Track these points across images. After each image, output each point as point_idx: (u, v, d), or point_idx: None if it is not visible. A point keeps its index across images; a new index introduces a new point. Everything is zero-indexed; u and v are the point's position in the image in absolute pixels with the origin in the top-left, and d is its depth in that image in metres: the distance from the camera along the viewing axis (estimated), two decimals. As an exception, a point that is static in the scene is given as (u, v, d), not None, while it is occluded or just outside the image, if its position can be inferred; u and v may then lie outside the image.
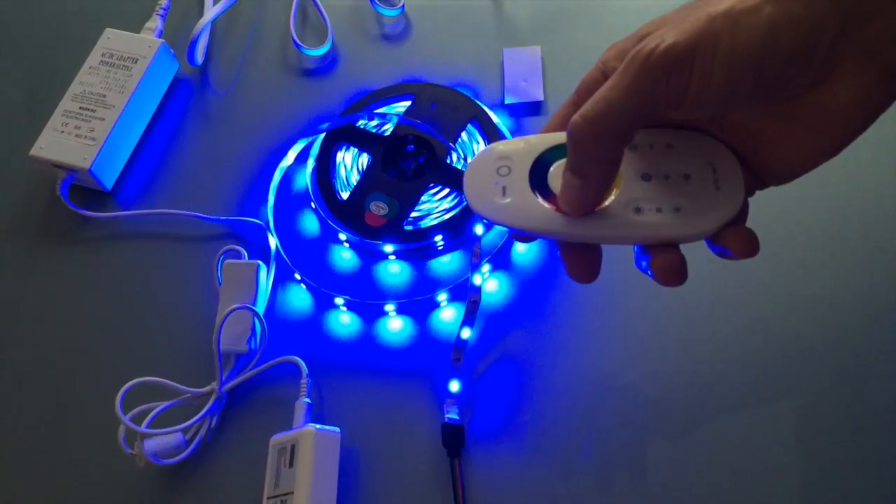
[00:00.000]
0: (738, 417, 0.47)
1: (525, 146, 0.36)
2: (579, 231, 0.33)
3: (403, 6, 0.64)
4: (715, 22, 0.29)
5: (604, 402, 0.48)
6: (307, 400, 0.49)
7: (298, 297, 0.54)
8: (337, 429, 0.48)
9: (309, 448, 0.46)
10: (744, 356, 0.48)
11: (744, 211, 0.33)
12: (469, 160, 0.36)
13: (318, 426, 0.47)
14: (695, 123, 0.34)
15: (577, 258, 0.34)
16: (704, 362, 0.49)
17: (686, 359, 0.49)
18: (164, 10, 0.65)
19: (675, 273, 0.32)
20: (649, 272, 0.33)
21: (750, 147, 0.33)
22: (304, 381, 0.50)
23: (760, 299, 0.50)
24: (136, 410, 0.48)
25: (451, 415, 0.48)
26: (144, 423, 0.47)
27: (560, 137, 0.35)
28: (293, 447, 0.46)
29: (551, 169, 0.35)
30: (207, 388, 0.50)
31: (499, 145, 0.36)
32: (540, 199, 0.34)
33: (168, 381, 0.49)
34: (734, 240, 0.32)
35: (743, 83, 0.29)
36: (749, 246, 0.32)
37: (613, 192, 0.34)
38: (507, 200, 0.34)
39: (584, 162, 0.32)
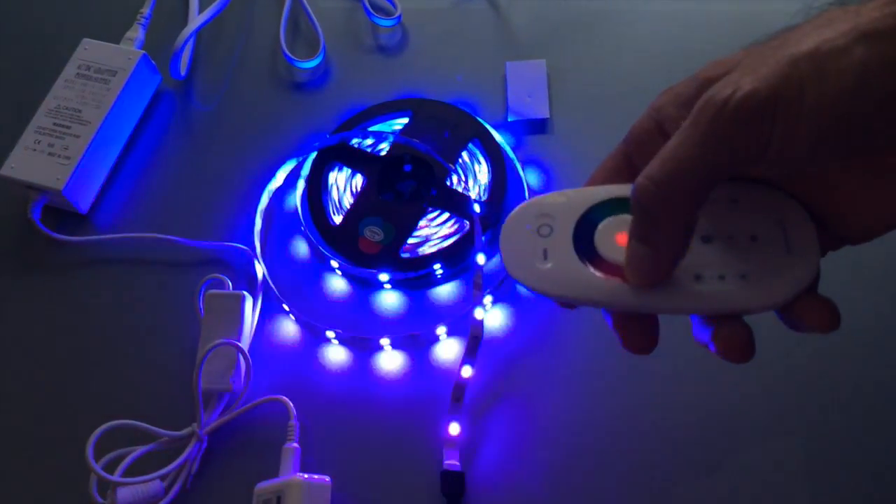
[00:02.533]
0: (761, 459, 0.43)
1: (568, 202, 0.32)
2: (629, 302, 0.29)
3: (400, 16, 0.61)
4: (798, 65, 0.25)
5: (617, 445, 0.45)
6: (295, 445, 0.45)
7: (287, 330, 0.50)
8: (327, 478, 0.44)
9: (296, 501, 0.42)
10: (767, 393, 0.45)
11: (816, 276, 0.30)
12: (507, 218, 0.32)
13: (305, 476, 0.43)
14: (768, 178, 0.30)
15: (631, 329, 0.30)
16: (726, 400, 0.45)
17: (705, 397, 0.45)
18: (146, 19, 0.61)
19: (741, 348, 0.28)
20: (711, 346, 0.29)
21: (825, 202, 0.29)
22: (291, 423, 0.46)
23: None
24: (108, 457, 0.44)
25: (451, 461, 0.45)
26: (118, 470, 0.44)
27: (607, 191, 0.31)
28: (279, 499, 0.42)
29: (598, 228, 0.31)
30: (187, 431, 0.46)
31: (538, 200, 0.32)
32: (587, 265, 0.30)
33: (143, 424, 0.45)
34: (811, 312, 0.28)
35: (832, 135, 0.25)
36: (829, 318, 0.28)
37: None
38: (549, 266, 0.30)
39: (654, 230, 0.28)
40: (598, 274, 0.30)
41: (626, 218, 0.30)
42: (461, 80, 0.58)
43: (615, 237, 0.30)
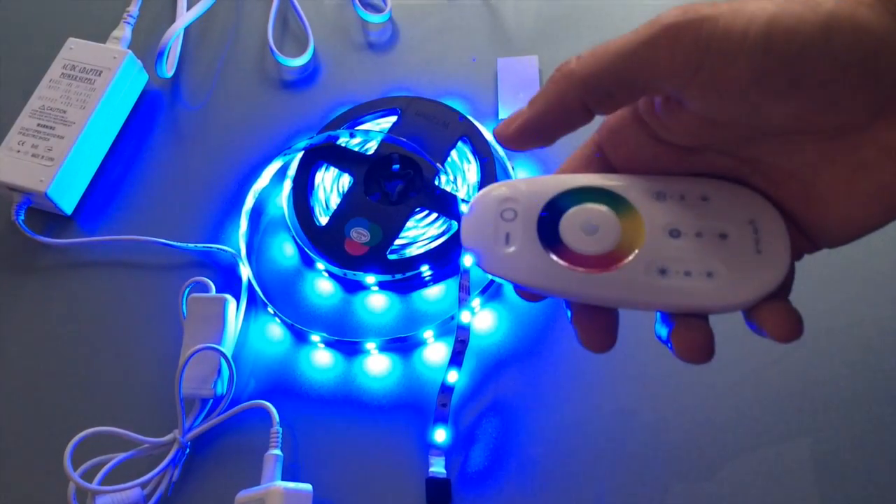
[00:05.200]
0: (757, 464, 0.42)
1: (535, 187, 0.31)
2: (592, 292, 0.29)
3: (390, 12, 0.59)
4: (762, 2, 0.24)
5: (608, 452, 0.43)
6: (277, 452, 0.44)
7: (272, 333, 0.49)
8: (309, 486, 0.43)
9: (277, 510, 0.41)
10: (764, 395, 0.43)
11: (788, 280, 0.28)
12: (472, 199, 0.31)
13: (287, 485, 0.42)
14: (733, 169, 0.29)
15: (590, 323, 0.29)
16: (722, 402, 0.44)
17: (700, 399, 0.44)
18: (133, 17, 0.60)
19: (698, 350, 0.27)
20: (669, 344, 0.28)
21: (801, 200, 0.28)
22: (274, 429, 0.45)
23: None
24: (87, 464, 0.43)
25: (437, 468, 0.43)
26: (97, 478, 0.43)
27: (576, 180, 0.30)
28: (259, 508, 0.42)
29: (564, 217, 0.30)
30: (168, 437, 0.45)
31: (503, 185, 0.31)
32: (549, 253, 0.29)
33: (123, 431, 0.44)
34: (773, 318, 0.27)
35: (775, 76, 0.24)
36: (790, 328, 0.26)
37: (635, 249, 0.29)
38: (511, 250, 0.30)
39: (540, 93, 0.29)
40: (560, 262, 0.29)
41: (595, 207, 0.30)
42: (475, 60, 0.56)
43: (581, 226, 0.30)
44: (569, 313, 0.30)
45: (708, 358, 0.27)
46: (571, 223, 0.30)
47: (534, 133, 0.29)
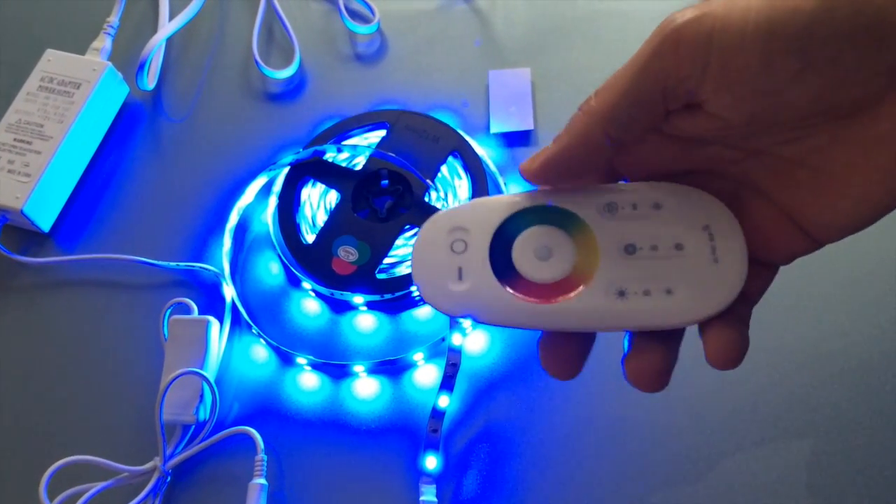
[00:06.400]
0: (757, 471, 0.41)
1: (483, 212, 0.30)
2: (552, 322, 0.28)
3: (378, 23, 0.58)
4: None
5: (606, 480, 0.42)
6: (262, 481, 0.43)
7: (256, 356, 0.48)
8: (294, 517, 0.41)
9: (260, 543, 0.39)
10: (759, 412, 0.42)
11: (754, 288, 0.28)
12: (418, 233, 0.30)
13: (271, 517, 0.40)
14: (737, 162, 0.28)
15: (555, 349, 0.28)
16: (718, 430, 0.42)
17: (698, 422, 0.43)
18: (113, 28, 0.58)
19: (649, 377, 0.27)
20: (622, 364, 0.27)
21: (809, 189, 0.27)
22: (259, 457, 0.43)
23: (778, 351, 0.43)
24: (64, 495, 0.42)
25: (428, 496, 0.42)
26: (74, 510, 0.41)
27: (524, 199, 0.29)
28: (243, 541, 0.40)
29: (516, 242, 0.29)
30: (148, 466, 0.44)
31: (451, 211, 0.30)
32: (504, 286, 0.28)
33: (102, 460, 0.42)
34: (710, 340, 0.26)
35: (784, 58, 0.23)
36: (726, 354, 0.26)
37: (591, 272, 0.28)
38: (465, 287, 0.28)
39: (564, 131, 0.28)
40: (516, 296, 0.28)
41: (547, 230, 0.29)
42: (479, 44, 0.56)
43: (534, 252, 0.29)
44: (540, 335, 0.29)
45: (660, 387, 0.26)
46: (524, 249, 0.29)
47: (559, 168, 0.28)
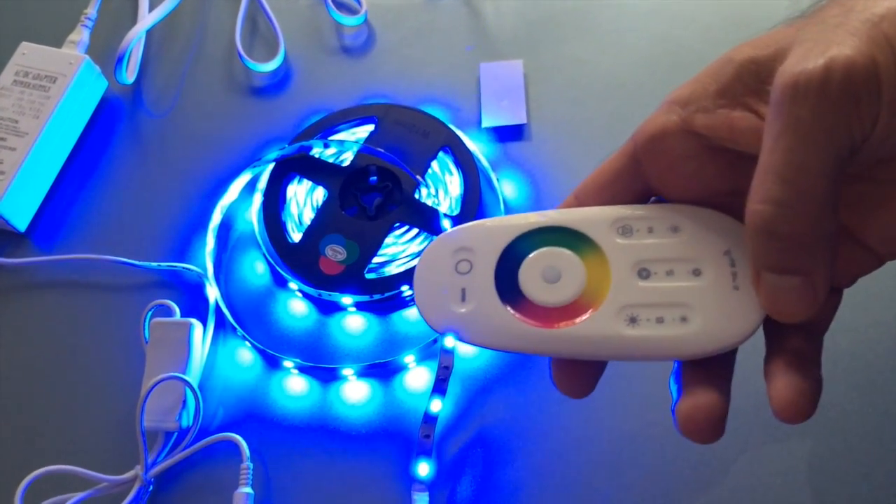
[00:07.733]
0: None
1: (489, 233, 0.28)
2: (557, 349, 0.27)
3: (365, 14, 0.56)
4: (882, 27, 0.21)
5: (604, 487, 0.41)
6: (248, 490, 0.41)
7: (241, 359, 0.46)
8: (281, 528, 0.40)
9: (246, 555, 0.38)
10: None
11: (825, 316, 0.26)
12: (422, 253, 0.29)
13: (257, 528, 0.39)
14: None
15: (566, 368, 0.27)
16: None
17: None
18: (91, 20, 0.56)
19: (704, 425, 0.25)
20: (672, 412, 0.25)
21: (873, 200, 0.25)
22: (244, 465, 0.42)
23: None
24: (41, 507, 0.40)
25: (420, 504, 0.41)
26: (51, 522, 0.40)
27: (532, 220, 0.28)
28: (228, 553, 0.38)
29: (523, 264, 0.28)
30: (129, 475, 0.42)
31: (457, 232, 0.29)
32: (508, 309, 0.27)
33: (80, 469, 0.41)
34: (779, 387, 0.24)
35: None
36: (794, 406, 0.23)
37: (601, 296, 0.26)
38: (468, 309, 0.27)
39: (801, 255, 0.23)
40: (521, 319, 0.27)
41: (555, 252, 0.27)
42: (470, 49, 0.54)
43: (541, 274, 0.27)
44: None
45: (717, 436, 0.24)
46: (531, 272, 0.27)
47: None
